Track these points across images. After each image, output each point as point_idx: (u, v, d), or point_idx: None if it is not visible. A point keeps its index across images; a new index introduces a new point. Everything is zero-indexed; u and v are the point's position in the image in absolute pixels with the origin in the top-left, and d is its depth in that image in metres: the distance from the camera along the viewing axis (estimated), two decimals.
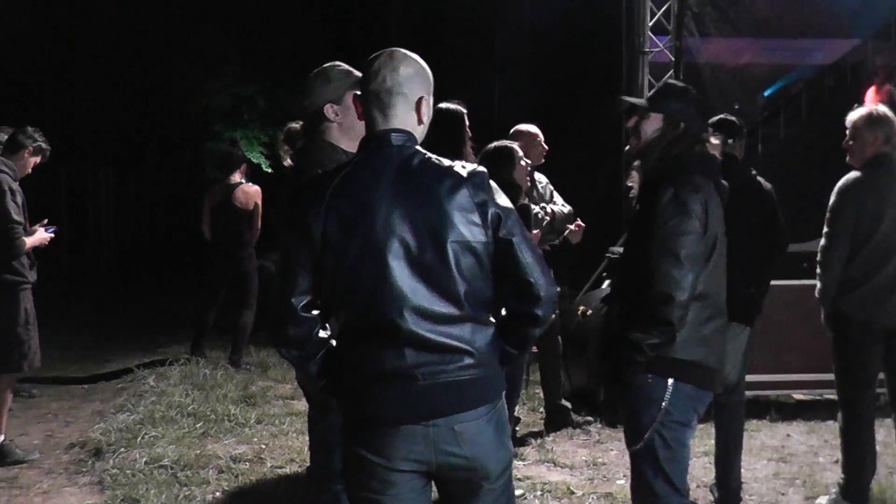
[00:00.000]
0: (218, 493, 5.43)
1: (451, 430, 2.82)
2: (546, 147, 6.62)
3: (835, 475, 5.38)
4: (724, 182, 3.74)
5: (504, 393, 2.98)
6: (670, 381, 3.53)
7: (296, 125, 3.93)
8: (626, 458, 6.11)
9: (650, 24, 8.75)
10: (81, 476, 5.78)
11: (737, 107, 10.41)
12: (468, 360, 2.81)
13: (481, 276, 2.82)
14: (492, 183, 2.85)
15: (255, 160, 17.36)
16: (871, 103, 5.23)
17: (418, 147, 2.90)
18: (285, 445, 6.35)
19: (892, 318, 5.03)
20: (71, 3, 16.57)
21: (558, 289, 3.14)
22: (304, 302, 2.87)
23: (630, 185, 3.97)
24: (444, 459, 2.84)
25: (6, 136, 6.66)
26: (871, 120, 5.07)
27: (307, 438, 6.33)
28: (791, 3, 9.11)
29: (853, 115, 5.15)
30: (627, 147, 3.85)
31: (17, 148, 6.53)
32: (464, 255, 2.78)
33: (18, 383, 7.61)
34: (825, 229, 5.09)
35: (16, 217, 6.13)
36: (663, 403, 3.53)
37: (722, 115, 5.25)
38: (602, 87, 10.01)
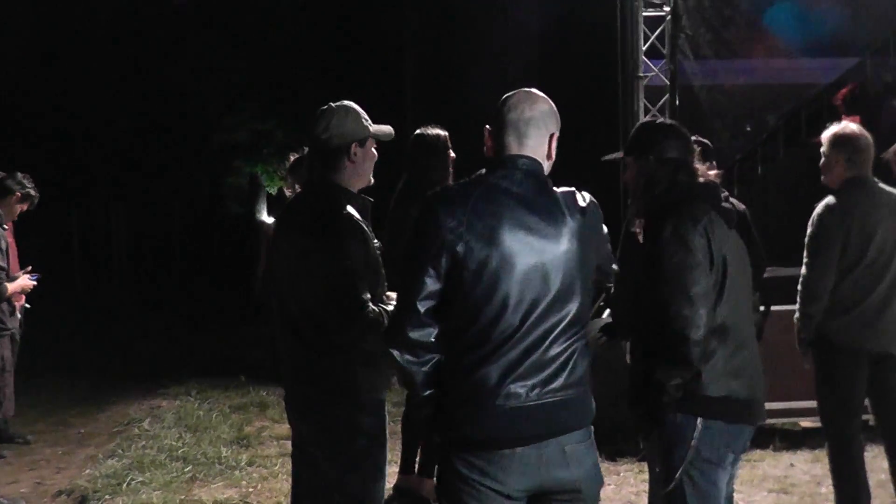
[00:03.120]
0: None
1: (561, 451, 2.89)
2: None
3: None
4: (728, 205, 3.61)
5: None
6: (699, 419, 3.43)
7: (302, 155, 3.82)
8: None
9: (644, 48, 8.68)
10: None
11: (748, 129, 10.28)
12: (573, 380, 2.90)
13: (587, 299, 2.99)
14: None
15: (275, 193, 17.42)
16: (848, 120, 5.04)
17: (546, 176, 3.07)
18: (274, 488, 6.24)
19: (881, 342, 4.89)
20: (81, 38, 16.65)
21: None
22: (429, 307, 2.90)
23: (635, 230, 3.86)
24: (553, 482, 2.90)
25: None
26: (834, 141, 4.91)
27: None
28: (786, 23, 9.00)
29: (823, 135, 4.99)
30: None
31: (5, 193, 6.56)
32: (580, 277, 2.95)
33: (13, 430, 7.58)
34: (806, 258, 4.91)
35: None
36: (692, 443, 3.42)
37: (694, 138, 5.10)
38: (598, 114, 9.93)
